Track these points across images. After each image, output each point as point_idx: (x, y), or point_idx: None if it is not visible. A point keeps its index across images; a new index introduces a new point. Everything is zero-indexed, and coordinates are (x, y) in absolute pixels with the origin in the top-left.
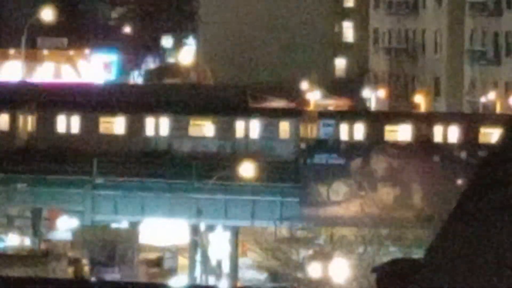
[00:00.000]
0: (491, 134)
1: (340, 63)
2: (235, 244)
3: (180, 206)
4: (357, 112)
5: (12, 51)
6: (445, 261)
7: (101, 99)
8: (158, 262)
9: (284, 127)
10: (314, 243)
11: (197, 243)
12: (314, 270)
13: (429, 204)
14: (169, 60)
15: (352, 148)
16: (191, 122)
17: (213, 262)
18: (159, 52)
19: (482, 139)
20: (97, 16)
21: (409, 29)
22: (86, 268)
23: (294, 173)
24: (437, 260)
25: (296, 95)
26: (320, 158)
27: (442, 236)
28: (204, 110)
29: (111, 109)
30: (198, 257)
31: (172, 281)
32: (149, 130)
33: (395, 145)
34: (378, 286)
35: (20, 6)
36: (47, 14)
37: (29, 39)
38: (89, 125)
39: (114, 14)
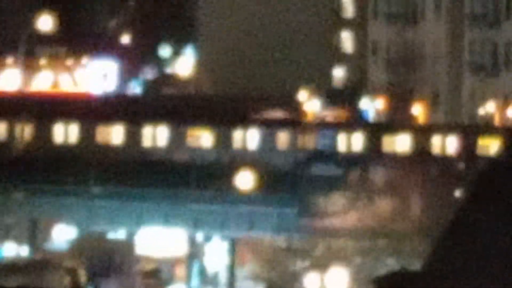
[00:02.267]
0: (490, 146)
1: (338, 74)
2: (232, 254)
3: (177, 216)
4: (355, 123)
5: (9, 60)
6: (443, 272)
7: (98, 109)
8: (155, 273)
9: (282, 138)
10: (311, 255)
11: (194, 254)
12: (311, 281)
13: (427, 216)
14: (167, 70)
15: (350, 159)
16: (189, 132)
17: (210, 273)
18: (157, 61)
19: (480, 150)
20: (95, 25)
21: (408, 40)
22: (83, 279)
23: (292, 183)
24: (435, 272)
25: (294, 106)
26: (318, 169)
27: (440, 247)
28: (202, 120)
29: (109, 119)
30: (195, 267)
31: None
32: (147, 140)
33: (393, 156)
34: None
35: (17, 15)
36: (45, 23)
37: (27, 48)
38: (87, 135)
39: (112, 23)
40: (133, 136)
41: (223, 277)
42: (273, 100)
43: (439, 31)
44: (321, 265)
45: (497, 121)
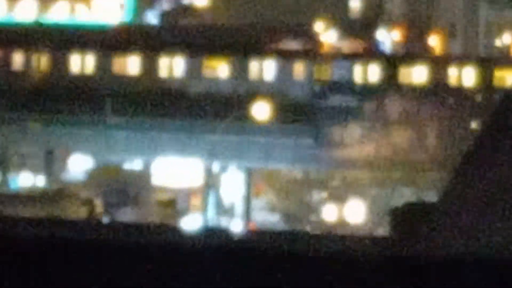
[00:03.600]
0: (506, 78)
1: (355, 4)
2: (248, 185)
3: (193, 147)
4: (371, 53)
5: None
6: (459, 204)
7: (115, 39)
8: (170, 203)
9: (298, 68)
10: (327, 186)
11: (210, 184)
12: (327, 212)
13: (444, 147)
14: (183, 0)
15: (367, 90)
16: (205, 63)
17: (226, 204)
18: None
19: (497, 82)
20: None
21: None
22: (99, 209)
23: (308, 114)
24: (451, 204)
25: (310, 36)
26: (334, 100)
27: (456, 179)
28: (218, 51)
29: (125, 49)
30: (211, 198)
31: (184, 222)
32: (163, 71)
33: (410, 87)
34: (392, 229)
35: None
36: None
37: None
38: (103, 65)
39: None
40: (150, 67)
41: (239, 208)
42: (289, 31)
43: None
44: (337, 197)
45: None
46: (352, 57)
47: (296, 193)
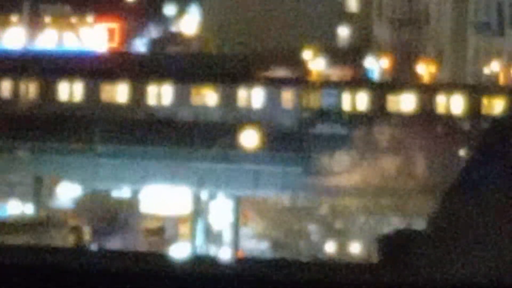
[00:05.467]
0: (494, 105)
1: (343, 32)
2: (236, 213)
3: (181, 174)
4: (359, 81)
5: (14, 18)
6: (447, 231)
7: (103, 67)
8: (159, 231)
9: (287, 96)
10: (315, 213)
11: (198, 212)
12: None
13: (431, 175)
14: (171, 28)
15: (355, 118)
16: (194, 90)
17: (215, 231)
18: (162, 20)
19: (485, 110)
20: None
21: None
22: (87, 236)
23: (296, 142)
24: (439, 231)
25: (298, 64)
26: (322, 128)
27: (444, 206)
28: (206, 78)
29: (114, 77)
30: (199, 226)
31: (173, 250)
32: (151, 99)
33: (398, 115)
34: (380, 256)
35: None
36: None
37: (31, 6)
38: (91, 93)
39: None
40: (138, 95)
41: (227, 236)
42: (277, 59)
43: None
44: (326, 224)
45: (501, 80)
46: (341, 85)
47: (285, 221)
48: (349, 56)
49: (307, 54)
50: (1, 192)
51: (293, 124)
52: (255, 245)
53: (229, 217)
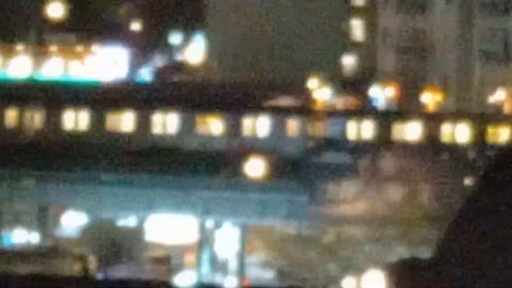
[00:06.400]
0: (499, 134)
1: (349, 61)
2: (242, 242)
3: (187, 203)
4: (365, 110)
5: (20, 47)
6: (453, 260)
7: (108, 96)
8: (164, 260)
9: (292, 125)
10: (321, 242)
11: (204, 241)
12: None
13: (437, 204)
14: (177, 57)
15: (360, 147)
16: (199, 119)
17: (220, 260)
18: (167, 48)
19: (490, 138)
20: (105, 12)
21: (418, 28)
22: (92, 265)
23: (302, 171)
24: (445, 260)
25: (304, 93)
26: (328, 157)
27: (450, 235)
28: (211, 107)
29: (119, 106)
30: (205, 255)
31: (179, 279)
32: (157, 127)
33: (403, 144)
34: (386, 285)
35: (27, 2)
36: (55, 10)
37: (37, 35)
38: (97, 122)
39: (122, 10)
40: (143, 123)
41: (233, 264)
42: (283, 88)
43: (449, 18)
44: (331, 253)
45: (507, 109)
46: (346, 113)
47: (290, 250)
48: (354, 85)
49: (312, 83)
50: (6, 221)
51: (298, 152)
52: (261, 273)
53: (235, 246)
